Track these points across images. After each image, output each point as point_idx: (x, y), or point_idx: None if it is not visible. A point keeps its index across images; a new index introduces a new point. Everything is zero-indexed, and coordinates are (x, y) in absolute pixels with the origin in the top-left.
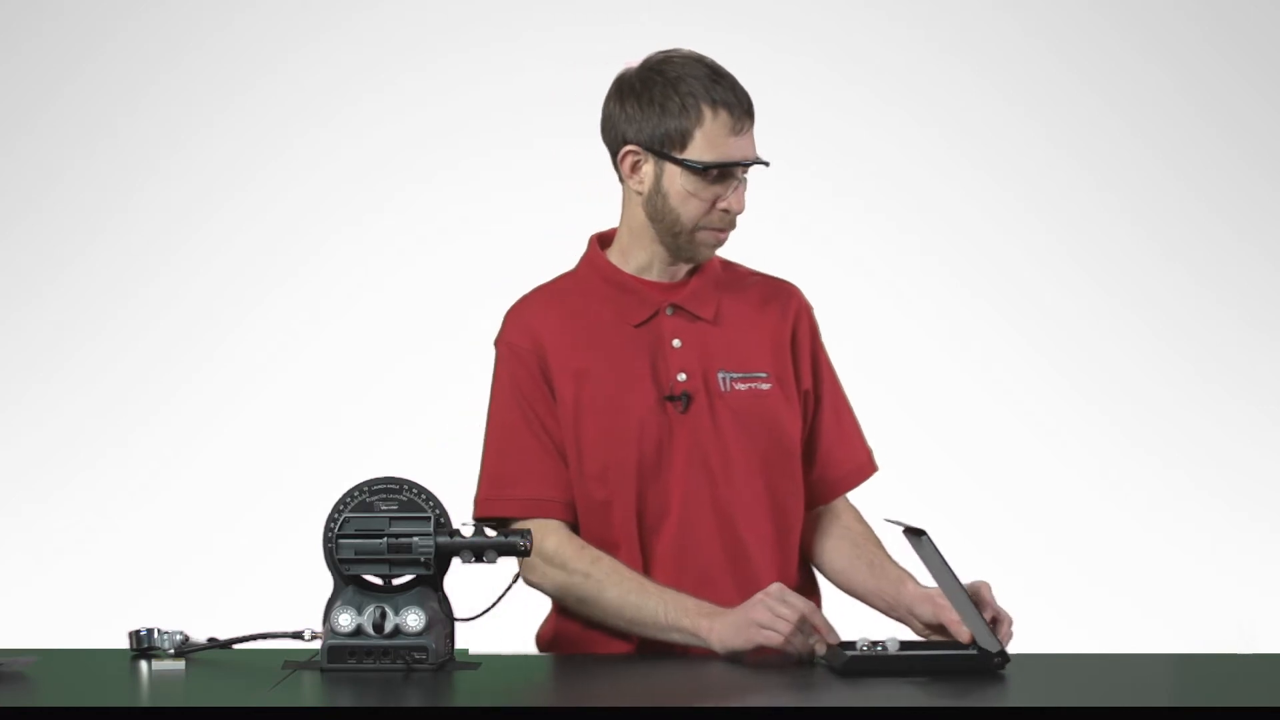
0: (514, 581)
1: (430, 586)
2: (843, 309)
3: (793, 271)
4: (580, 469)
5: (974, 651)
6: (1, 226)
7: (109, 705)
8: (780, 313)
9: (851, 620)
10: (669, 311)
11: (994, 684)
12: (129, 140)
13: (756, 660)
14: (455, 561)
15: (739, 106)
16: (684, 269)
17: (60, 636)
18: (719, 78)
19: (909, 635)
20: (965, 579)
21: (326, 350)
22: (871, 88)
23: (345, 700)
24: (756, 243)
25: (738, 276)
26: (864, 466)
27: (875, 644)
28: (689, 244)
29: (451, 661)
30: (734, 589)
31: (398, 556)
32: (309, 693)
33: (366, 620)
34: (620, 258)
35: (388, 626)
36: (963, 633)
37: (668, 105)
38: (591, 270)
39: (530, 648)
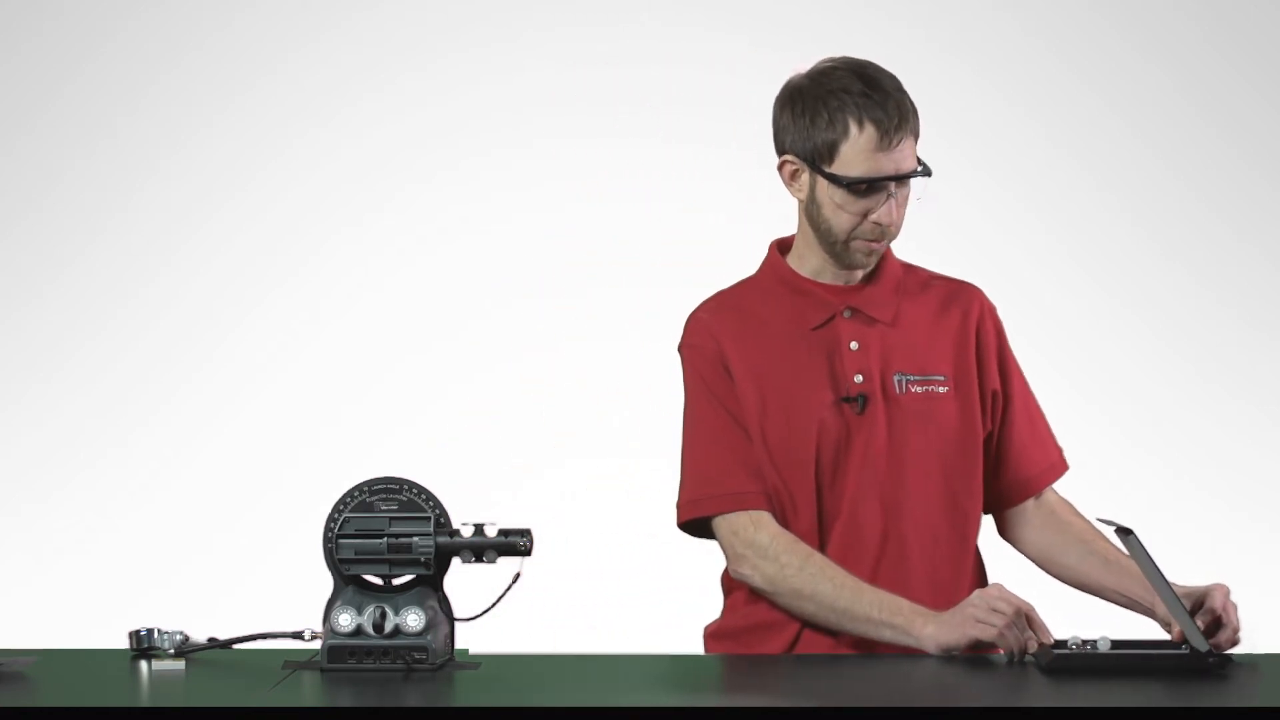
0: (514, 581)
1: (430, 586)
2: None
3: None
4: (763, 473)
5: (1185, 651)
6: (1, 226)
7: (109, 705)
8: (962, 315)
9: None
10: (846, 314)
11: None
12: (129, 140)
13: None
14: (455, 561)
15: (888, 121)
16: (860, 272)
17: (60, 636)
18: (873, 90)
19: (1122, 634)
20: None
21: (326, 350)
22: None
23: (345, 700)
24: (756, 243)
25: (918, 279)
26: (1056, 464)
27: (1087, 642)
28: (845, 252)
29: (451, 661)
30: (894, 589)
31: (398, 556)
32: (309, 693)
33: (366, 620)
34: (798, 262)
35: (388, 626)
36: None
37: (818, 118)
38: (770, 274)
39: (530, 648)
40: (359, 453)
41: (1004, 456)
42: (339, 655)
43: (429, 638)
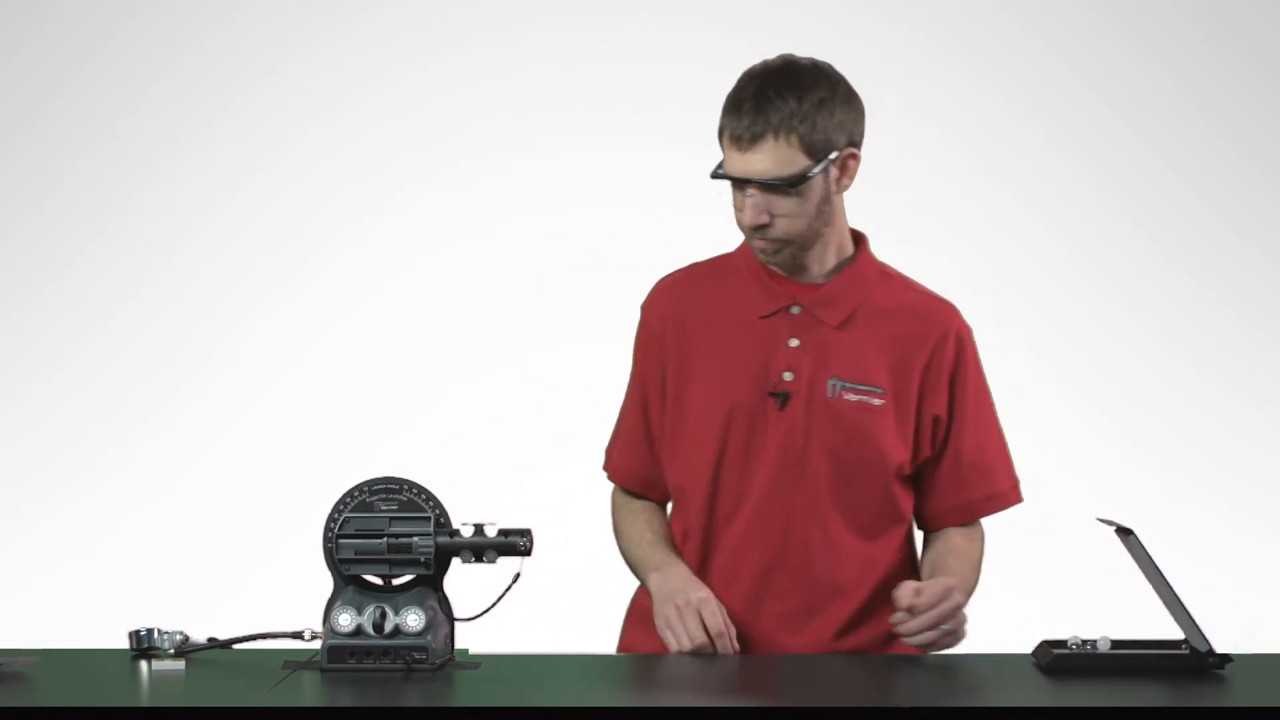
0: (514, 581)
1: (430, 586)
2: None
3: None
4: (674, 447)
5: (1185, 651)
6: (1, 226)
7: (109, 705)
8: (922, 334)
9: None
10: (794, 310)
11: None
12: (129, 140)
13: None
14: (455, 561)
15: (739, 125)
16: (830, 269)
17: (60, 636)
18: (743, 94)
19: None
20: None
21: (326, 350)
22: (871, 88)
23: (345, 700)
24: None
25: (892, 288)
26: (977, 503)
27: (1087, 642)
28: (751, 245)
29: (451, 661)
30: (793, 592)
31: (398, 556)
32: (309, 693)
33: (366, 620)
34: None
35: (388, 626)
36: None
37: (722, 109)
38: (743, 255)
39: (530, 648)
40: (359, 453)
41: (924, 487)
42: (339, 655)
43: (429, 638)
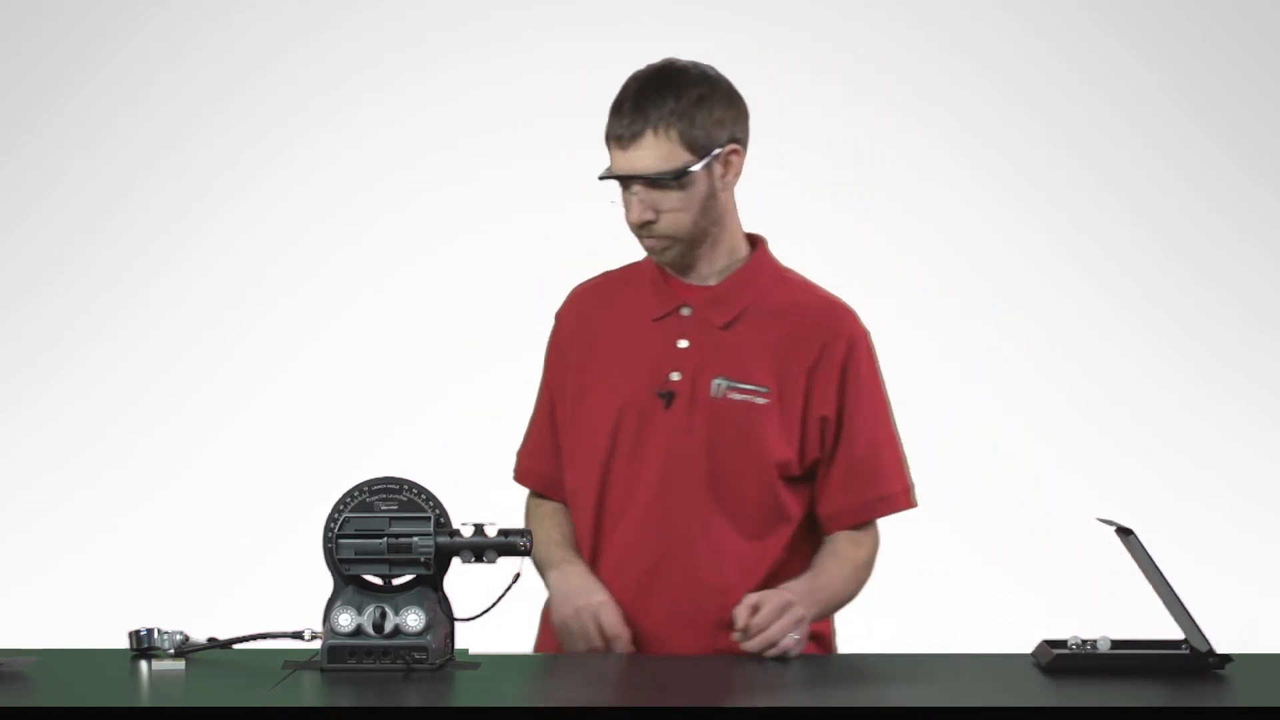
0: (514, 582)
1: (430, 586)
2: None
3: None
4: (571, 449)
5: (1185, 651)
6: (1, 226)
7: (109, 705)
8: (810, 333)
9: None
10: (685, 312)
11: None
12: (129, 140)
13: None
14: (455, 561)
15: (622, 123)
16: (720, 269)
17: (60, 636)
18: (624, 94)
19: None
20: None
21: (326, 350)
22: (871, 88)
23: (345, 700)
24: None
25: (787, 290)
26: (868, 505)
27: (1087, 642)
28: (641, 244)
29: (451, 661)
30: (678, 591)
31: (398, 556)
32: (309, 693)
33: (366, 620)
34: None
35: (388, 626)
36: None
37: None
38: (645, 263)
39: (530, 648)
40: (359, 453)
41: (817, 490)
42: (339, 655)
43: (429, 638)
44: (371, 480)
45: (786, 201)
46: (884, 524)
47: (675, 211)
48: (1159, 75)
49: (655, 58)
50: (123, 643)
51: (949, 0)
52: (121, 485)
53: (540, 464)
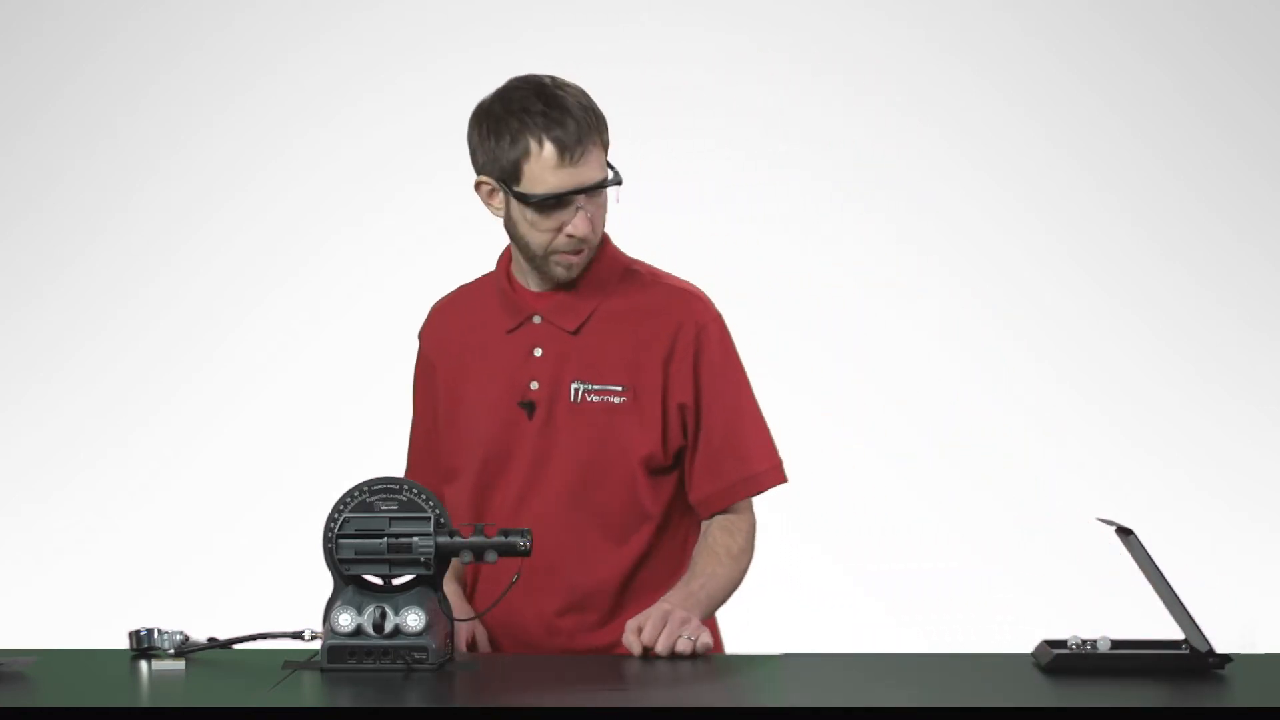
0: (514, 582)
1: (430, 586)
2: (843, 309)
3: (792, 272)
4: (446, 466)
5: (1185, 651)
6: (1, 226)
7: (109, 705)
8: (660, 325)
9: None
10: (536, 320)
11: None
12: (129, 140)
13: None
14: (455, 562)
15: (568, 137)
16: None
17: (60, 636)
18: (552, 107)
19: (1121, 634)
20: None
21: (326, 350)
22: (871, 88)
23: (345, 700)
24: (756, 243)
25: (635, 285)
26: (734, 487)
27: (1087, 642)
28: (545, 266)
29: (451, 661)
30: (550, 595)
31: (398, 556)
32: (309, 693)
33: (366, 620)
34: (515, 265)
35: (388, 626)
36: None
37: (502, 138)
38: (495, 274)
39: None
40: (359, 453)
41: (686, 478)
42: (339, 655)
43: (429, 638)
44: (371, 480)
45: (787, 201)
46: (884, 524)
47: (601, 221)
48: (1159, 75)
49: (655, 58)
50: (123, 643)
51: (949, 0)
52: (121, 485)
53: (423, 482)
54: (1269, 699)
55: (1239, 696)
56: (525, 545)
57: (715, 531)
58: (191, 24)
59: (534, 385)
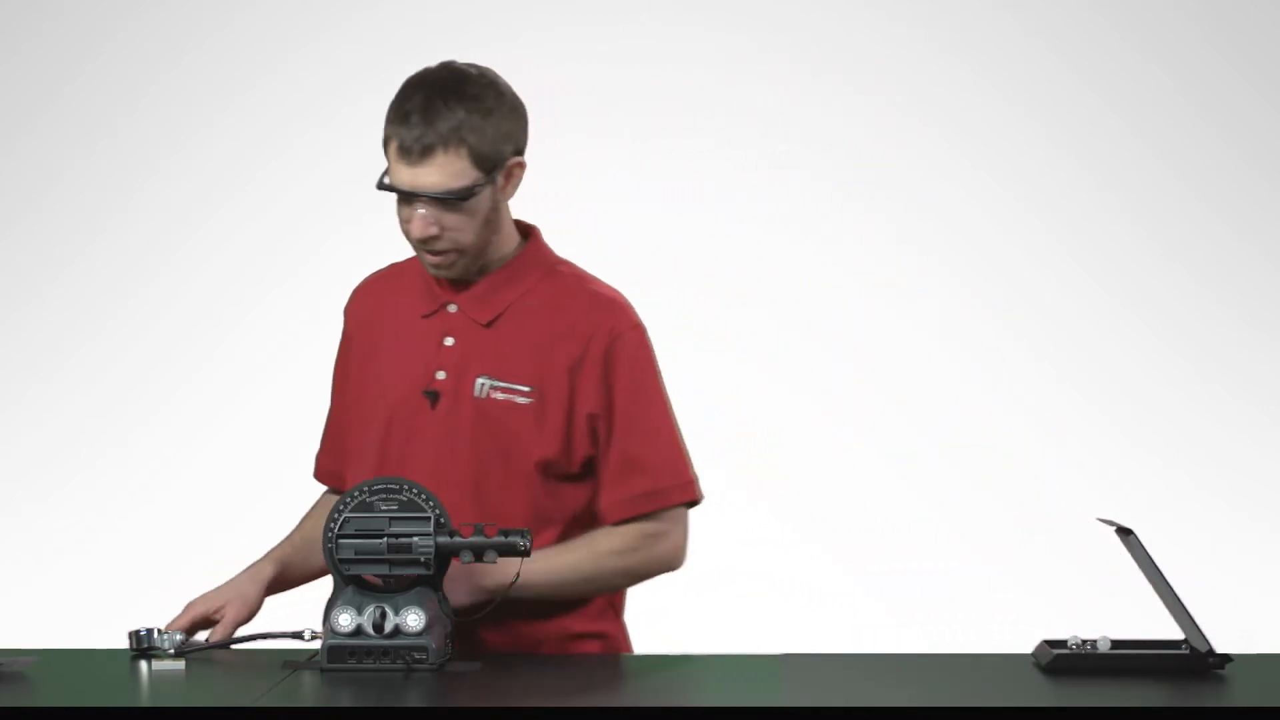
0: (514, 581)
1: (430, 586)
2: (843, 309)
3: (792, 272)
4: (350, 447)
5: (1185, 651)
6: (1, 226)
7: (109, 705)
8: (573, 331)
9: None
10: (451, 309)
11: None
12: (129, 140)
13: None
14: (455, 562)
15: (409, 138)
16: (487, 267)
17: (60, 636)
18: (412, 102)
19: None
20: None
21: (327, 350)
22: (871, 88)
23: (345, 700)
24: (756, 243)
25: (557, 284)
26: (636, 500)
27: (1087, 642)
28: (421, 258)
29: (451, 661)
30: (449, 590)
31: (398, 556)
32: (309, 693)
33: (366, 620)
34: None
35: (388, 626)
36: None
37: (386, 118)
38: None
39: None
40: None
41: (594, 487)
42: (339, 655)
43: (429, 638)
44: (371, 480)
45: (786, 201)
46: (884, 524)
47: (459, 229)
48: (1159, 75)
49: (655, 58)
50: (123, 643)
51: (949, 0)
52: (121, 485)
53: (334, 462)
54: (1269, 699)
55: (1239, 696)
56: (525, 545)
57: (601, 530)
58: (191, 24)
59: (441, 375)
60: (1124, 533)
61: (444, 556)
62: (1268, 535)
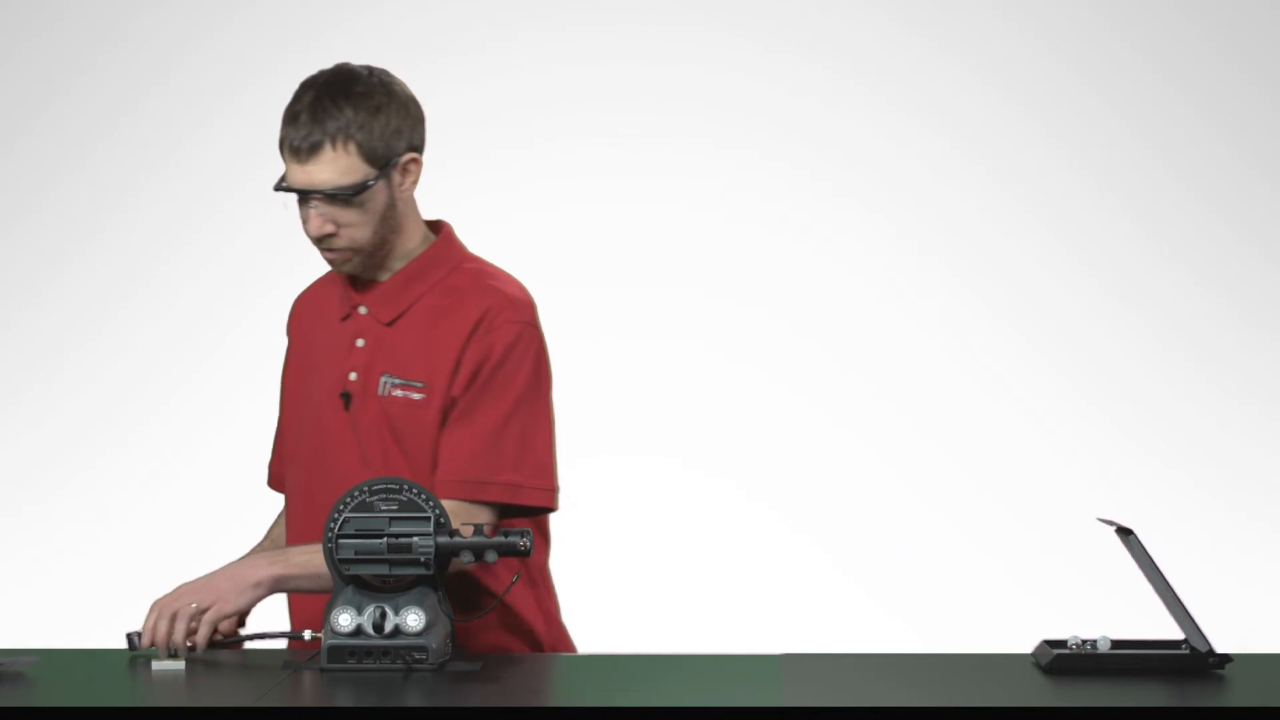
0: (514, 581)
1: (430, 586)
2: (843, 309)
3: (792, 271)
4: (285, 452)
5: (1185, 651)
6: (1, 226)
7: (109, 705)
8: (461, 320)
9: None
10: (362, 310)
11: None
12: (129, 140)
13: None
14: (455, 562)
15: (299, 135)
16: (393, 268)
17: (60, 636)
18: (301, 103)
19: (1121, 634)
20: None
21: None
22: (871, 88)
23: (345, 700)
24: (755, 243)
25: (458, 279)
26: (454, 485)
27: (1086, 642)
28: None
29: (451, 661)
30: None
31: (398, 556)
32: (309, 693)
33: (366, 620)
34: None
35: (388, 626)
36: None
37: (281, 120)
38: None
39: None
40: None
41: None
42: (339, 655)
43: (429, 638)
44: (371, 480)
45: (786, 201)
46: (884, 524)
47: (355, 225)
48: (1159, 75)
49: (655, 58)
50: (123, 643)
51: (949, 0)
52: (121, 485)
53: (281, 468)
54: (1269, 699)
55: (1239, 696)
56: (525, 545)
57: None
58: (191, 24)
59: (352, 376)
60: (1124, 533)
61: (444, 556)
62: (1268, 535)
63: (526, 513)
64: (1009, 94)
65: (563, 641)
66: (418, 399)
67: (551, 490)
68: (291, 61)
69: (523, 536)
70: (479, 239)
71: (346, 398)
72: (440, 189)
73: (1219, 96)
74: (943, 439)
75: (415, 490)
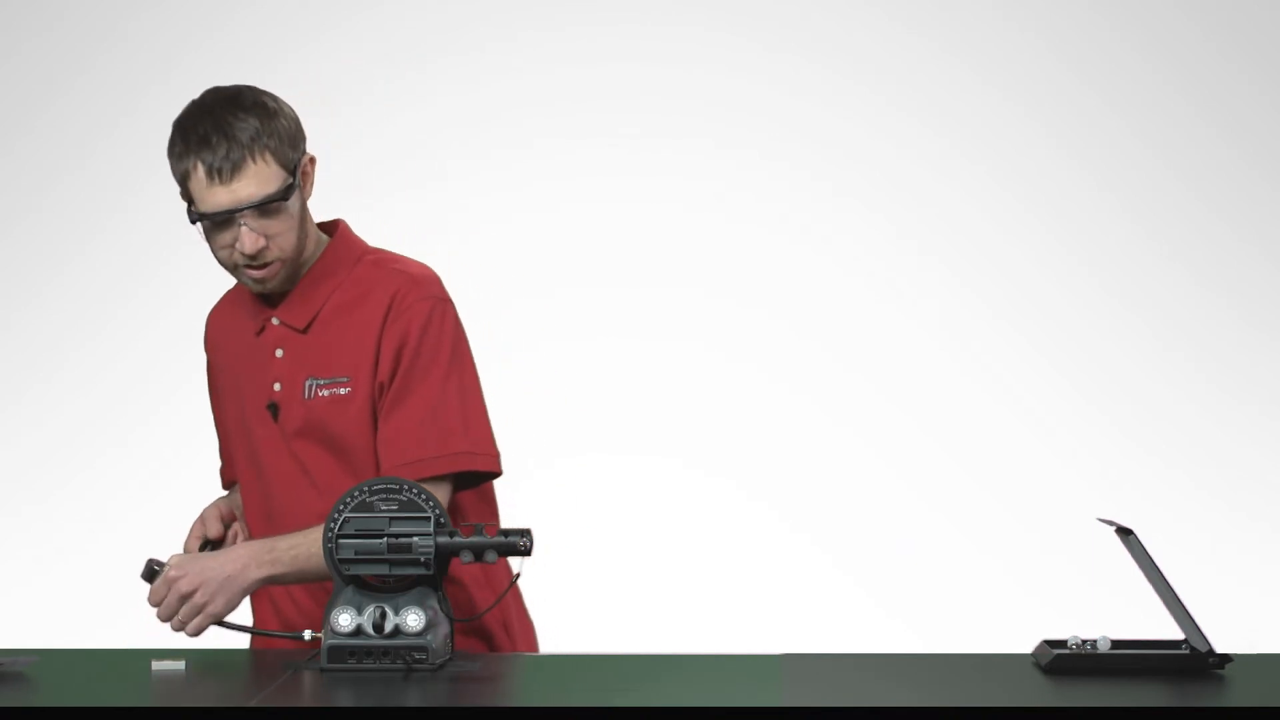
0: (514, 581)
1: (430, 586)
2: (843, 309)
3: (792, 271)
4: (234, 473)
5: (1185, 651)
6: (1, 226)
7: (109, 705)
8: (372, 308)
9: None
10: (275, 322)
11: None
12: (129, 140)
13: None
14: (455, 562)
15: (215, 160)
16: (297, 275)
17: (60, 636)
18: (203, 126)
19: (1121, 634)
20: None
21: None
22: (871, 88)
23: (345, 700)
24: (755, 243)
25: (363, 271)
26: (395, 469)
27: (1086, 642)
28: (241, 279)
29: (451, 661)
30: (309, 594)
31: (398, 556)
32: (309, 693)
33: (366, 620)
34: None
35: (388, 626)
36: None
37: (173, 154)
38: None
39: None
40: None
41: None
42: (339, 655)
43: (429, 638)
44: (371, 480)
45: (786, 201)
46: (884, 524)
47: (283, 234)
48: (1159, 75)
49: (655, 58)
50: (124, 643)
51: (949, 0)
52: (121, 485)
53: (232, 474)
54: (1269, 699)
55: (1239, 696)
56: (525, 545)
57: None
58: (191, 24)
59: (277, 387)
60: (1124, 533)
61: (444, 556)
62: (1268, 535)
63: (475, 481)
64: (1009, 94)
65: (531, 638)
66: (344, 394)
67: (497, 456)
68: (291, 61)
69: (523, 536)
70: (479, 239)
71: (274, 409)
72: (440, 189)
73: (1219, 96)
74: (943, 439)
75: (415, 490)
